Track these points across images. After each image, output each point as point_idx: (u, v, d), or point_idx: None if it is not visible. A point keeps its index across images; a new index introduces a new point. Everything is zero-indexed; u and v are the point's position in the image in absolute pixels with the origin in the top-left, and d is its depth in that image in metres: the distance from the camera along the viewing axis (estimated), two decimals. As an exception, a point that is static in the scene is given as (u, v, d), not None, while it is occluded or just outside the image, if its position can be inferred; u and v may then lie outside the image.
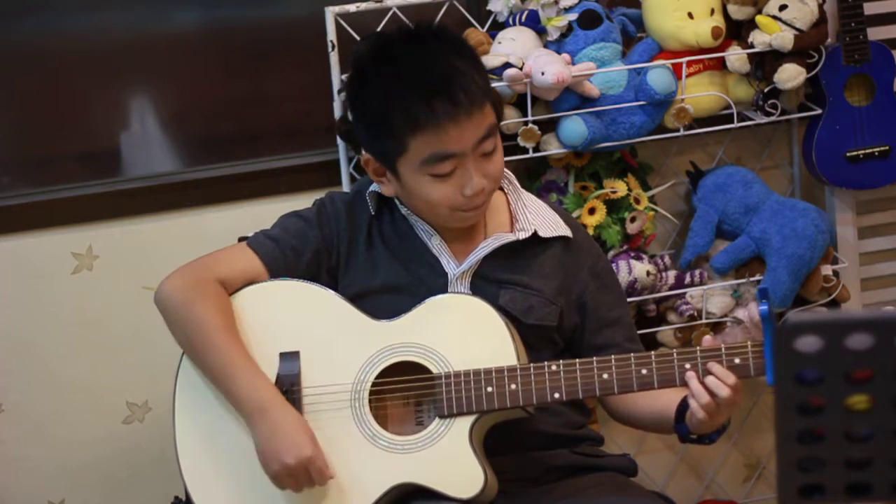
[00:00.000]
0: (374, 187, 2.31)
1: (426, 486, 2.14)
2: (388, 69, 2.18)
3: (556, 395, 2.15)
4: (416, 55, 2.18)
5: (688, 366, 2.12)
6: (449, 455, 2.15)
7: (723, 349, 2.13)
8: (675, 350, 2.16)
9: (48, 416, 2.84)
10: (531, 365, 2.16)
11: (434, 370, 2.17)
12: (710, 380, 2.10)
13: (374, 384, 2.19)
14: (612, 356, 2.16)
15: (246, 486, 2.19)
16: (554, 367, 2.15)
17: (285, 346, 2.20)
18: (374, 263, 2.30)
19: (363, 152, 2.27)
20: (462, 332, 2.20)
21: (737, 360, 2.12)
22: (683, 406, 2.17)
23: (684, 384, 2.13)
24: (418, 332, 2.19)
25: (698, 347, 2.14)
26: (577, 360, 2.16)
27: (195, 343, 2.21)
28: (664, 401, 2.23)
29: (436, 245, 2.29)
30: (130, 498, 2.89)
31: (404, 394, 2.21)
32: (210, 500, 2.20)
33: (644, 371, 2.14)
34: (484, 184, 2.19)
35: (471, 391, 2.15)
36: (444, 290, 2.27)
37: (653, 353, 2.16)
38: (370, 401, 2.19)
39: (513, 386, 2.15)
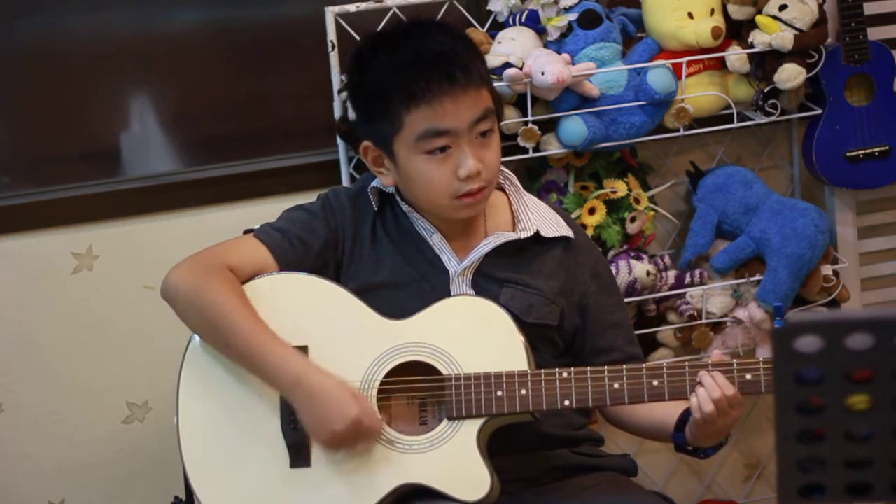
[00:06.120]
0: (375, 183, 2.31)
1: (432, 486, 2.14)
2: (386, 52, 2.20)
3: (567, 403, 2.15)
4: (415, 38, 2.20)
5: (699, 379, 2.11)
6: (456, 457, 2.15)
7: (734, 364, 2.12)
8: (686, 363, 2.15)
9: (48, 416, 2.83)
10: (542, 371, 2.15)
11: (444, 371, 2.17)
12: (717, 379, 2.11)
13: (382, 382, 2.18)
14: (624, 366, 2.16)
15: (249, 478, 2.18)
16: (565, 374, 2.15)
17: (294, 339, 2.18)
18: (379, 258, 2.29)
19: (362, 141, 2.27)
20: (473, 335, 2.19)
21: (748, 377, 2.12)
22: (684, 416, 2.17)
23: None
24: (429, 332, 2.19)
25: (710, 363, 2.13)
26: (589, 368, 2.16)
27: (216, 326, 2.17)
28: (663, 409, 2.23)
29: (437, 242, 2.29)
30: (130, 498, 2.89)
31: (411, 394, 2.20)
32: (212, 491, 2.19)
33: (655, 382, 2.13)
34: (480, 168, 2.18)
35: (481, 394, 2.15)
36: (445, 286, 2.27)
37: (664, 363, 2.15)
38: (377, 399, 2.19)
39: (523, 391, 2.14)
